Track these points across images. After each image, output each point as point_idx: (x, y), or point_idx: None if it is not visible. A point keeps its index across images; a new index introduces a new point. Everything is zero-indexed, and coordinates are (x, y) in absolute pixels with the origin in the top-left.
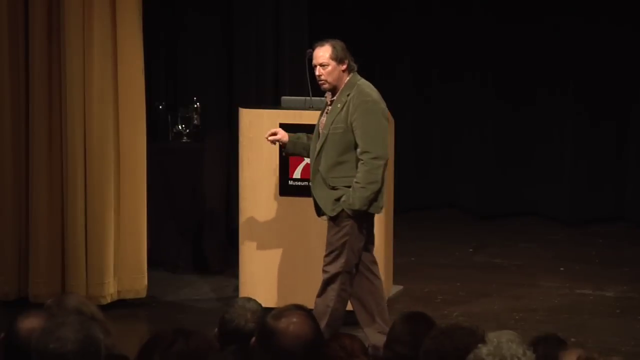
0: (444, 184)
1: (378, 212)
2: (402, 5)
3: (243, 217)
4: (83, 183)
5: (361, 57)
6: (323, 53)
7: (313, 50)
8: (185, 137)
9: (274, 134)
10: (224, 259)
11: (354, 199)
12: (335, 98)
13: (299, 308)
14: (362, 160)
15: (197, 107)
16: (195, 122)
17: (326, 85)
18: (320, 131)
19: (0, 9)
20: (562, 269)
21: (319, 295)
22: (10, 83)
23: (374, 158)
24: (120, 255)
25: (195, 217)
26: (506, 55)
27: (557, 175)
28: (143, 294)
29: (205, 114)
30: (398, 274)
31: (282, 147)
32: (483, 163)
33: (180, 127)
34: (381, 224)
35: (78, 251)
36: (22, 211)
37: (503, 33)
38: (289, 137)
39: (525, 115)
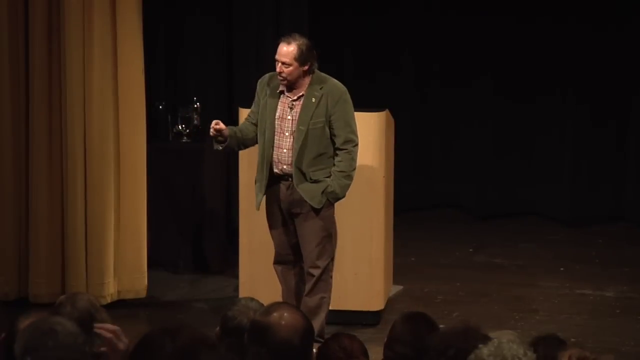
0: (444, 184)
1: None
2: (402, 5)
3: (243, 217)
4: (83, 183)
5: (361, 57)
6: (287, 52)
7: (279, 43)
8: (185, 137)
9: (218, 124)
10: (224, 259)
11: (340, 188)
12: (304, 93)
13: (282, 303)
14: (345, 149)
15: (197, 107)
16: (195, 122)
17: (285, 82)
18: (288, 126)
19: (0, 9)
20: (562, 269)
21: (309, 293)
22: (11, 83)
23: (355, 145)
24: (120, 255)
25: (195, 217)
26: (506, 55)
27: (557, 175)
28: (143, 294)
29: (205, 114)
30: (398, 274)
31: (221, 140)
32: (483, 163)
33: (180, 127)
34: (381, 224)
35: (78, 251)
36: (22, 211)
37: (503, 33)
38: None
39: (525, 115)
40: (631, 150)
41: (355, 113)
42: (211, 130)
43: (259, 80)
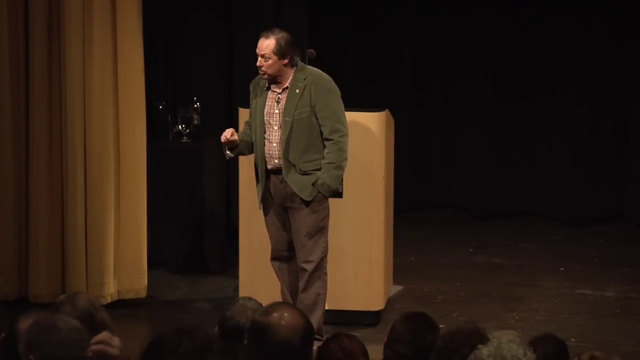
0: (444, 184)
1: (340, 191)
2: (402, 5)
3: (243, 217)
4: (83, 183)
5: (361, 57)
6: (266, 45)
7: (259, 38)
8: (185, 137)
9: (233, 134)
10: (224, 259)
11: (331, 179)
12: (288, 85)
13: (282, 303)
14: (332, 140)
15: (197, 107)
16: (195, 122)
17: (265, 76)
18: (276, 119)
19: (0, 9)
20: (562, 269)
21: (304, 289)
22: (11, 83)
23: (343, 136)
24: (120, 255)
25: (195, 217)
26: (506, 55)
27: (557, 175)
28: (143, 294)
29: (205, 114)
30: (398, 274)
31: (231, 148)
32: (483, 163)
33: (180, 127)
34: (381, 224)
35: (78, 251)
36: (22, 211)
37: (503, 32)
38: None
39: (525, 115)
40: (631, 151)
41: (355, 113)
42: (223, 137)
43: (251, 84)
